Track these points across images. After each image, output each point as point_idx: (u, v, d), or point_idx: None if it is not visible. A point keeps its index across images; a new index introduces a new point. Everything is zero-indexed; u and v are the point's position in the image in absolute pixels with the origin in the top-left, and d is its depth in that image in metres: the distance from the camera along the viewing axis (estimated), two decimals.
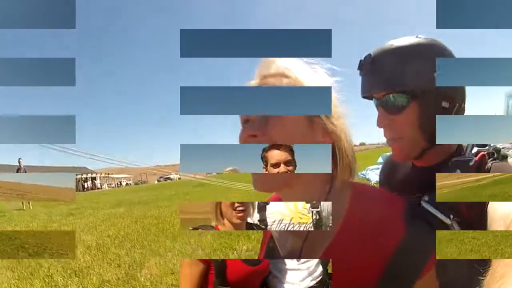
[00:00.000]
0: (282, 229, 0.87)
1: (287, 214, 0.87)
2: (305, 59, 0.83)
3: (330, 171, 0.80)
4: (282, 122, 0.78)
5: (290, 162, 0.79)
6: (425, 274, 0.72)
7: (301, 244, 0.86)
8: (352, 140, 0.85)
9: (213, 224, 1.33)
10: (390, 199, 0.85)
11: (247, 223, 1.27)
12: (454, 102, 1.06)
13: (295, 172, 0.78)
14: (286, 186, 0.83)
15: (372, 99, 1.14)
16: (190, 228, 1.09)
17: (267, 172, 0.80)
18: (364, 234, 0.76)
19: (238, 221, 1.27)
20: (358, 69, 1.13)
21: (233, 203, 1.22)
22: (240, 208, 1.23)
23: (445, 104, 1.05)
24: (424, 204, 0.97)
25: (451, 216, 0.93)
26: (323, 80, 0.83)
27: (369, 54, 1.10)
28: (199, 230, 1.17)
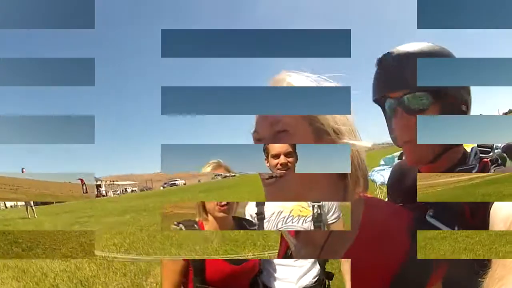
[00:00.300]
0: (281, 222, 0.87)
1: (287, 206, 0.87)
2: (315, 76, 0.83)
3: (349, 171, 0.80)
4: (292, 141, 0.78)
5: (291, 154, 0.79)
6: (434, 283, 0.73)
7: (317, 254, 0.86)
8: (364, 156, 0.85)
9: (197, 219, 1.33)
10: (398, 213, 0.85)
11: (237, 220, 1.26)
12: (468, 105, 1.05)
13: (295, 164, 0.78)
14: (298, 198, 0.83)
15: (384, 102, 1.12)
16: (173, 225, 1.09)
17: (268, 163, 0.80)
18: (374, 247, 0.77)
19: (221, 214, 1.26)
20: (376, 66, 1.10)
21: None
22: (222, 203, 1.23)
23: (464, 107, 1.04)
24: (429, 219, 0.96)
25: (456, 228, 0.93)
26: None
27: (389, 52, 1.08)
28: (179, 227, 1.17)
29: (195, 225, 1.33)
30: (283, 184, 0.79)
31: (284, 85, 0.82)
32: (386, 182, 1.44)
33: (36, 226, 13.58)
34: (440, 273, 0.74)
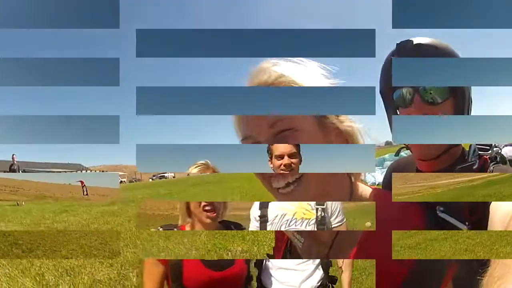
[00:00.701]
0: (284, 225, 0.86)
1: (290, 209, 0.86)
2: (307, 60, 0.81)
3: (374, 171, 0.79)
4: (299, 138, 0.76)
5: (294, 155, 0.77)
6: (446, 284, 0.73)
7: (326, 252, 0.84)
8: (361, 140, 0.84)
9: (179, 223, 1.28)
10: (410, 208, 0.84)
11: (224, 223, 1.23)
12: (472, 103, 1.07)
13: (299, 166, 0.77)
14: (312, 200, 0.81)
15: (393, 92, 1.11)
16: (153, 229, 1.07)
17: (271, 164, 0.79)
18: (386, 242, 0.75)
19: (208, 220, 1.23)
20: (394, 51, 1.09)
21: (200, 203, 1.19)
22: (208, 208, 1.19)
23: (471, 106, 1.05)
24: (440, 214, 0.96)
25: (467, 223, 0.93)
26: (319, 79, 0.81)
27: (410, 40, 1.07)
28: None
29: (175, 230, 1.30)
30: (299, 193, 0.77)
31: (268, 74, 0.79)
32: (376, 183, 1.45)
33: (24, 212, 13.40)
34: (451, 274, 0.74)
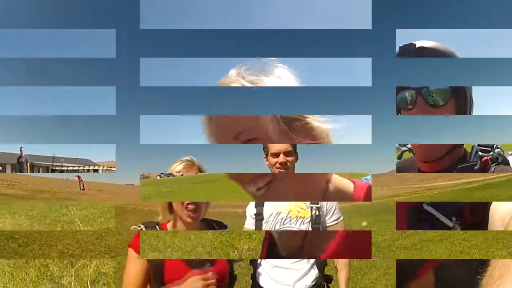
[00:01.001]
0: (279, 224, 0.86)
1: (285, 207, 0.87)
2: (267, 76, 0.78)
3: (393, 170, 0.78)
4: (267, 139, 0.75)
5: (290, 153, 0.78)
6: (422, 275, 0.73)
7: (300, 244, 0.85)
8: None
9: (159, 220, 1.27)
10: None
11: (206, 222, 1.22)
12: (473, 103, 1.06)
13: (295, 164, 0.77)
14: (292, 199, 0.81)
15: (397, 93, 1.11)
16: (133, 227, 1.06)
17: (267, 161, 0.79)
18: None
19: (189, 220, 1.21)
20: (400, 53, 1.09)
21: (183, 201, 1.18)
22: (191, 207, 1.18)
23: (472, 106, 1.05)
24: (426, 207, 0.97)
25: (454, 219, 0.93)
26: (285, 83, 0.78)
27: (412, 43, 1.06)
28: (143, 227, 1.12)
29: (157, 227, 1.29)
30: (272, 196, 0.76)
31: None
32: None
33: (31, 206, 13.47)
34: (433, 263, 0.74)
